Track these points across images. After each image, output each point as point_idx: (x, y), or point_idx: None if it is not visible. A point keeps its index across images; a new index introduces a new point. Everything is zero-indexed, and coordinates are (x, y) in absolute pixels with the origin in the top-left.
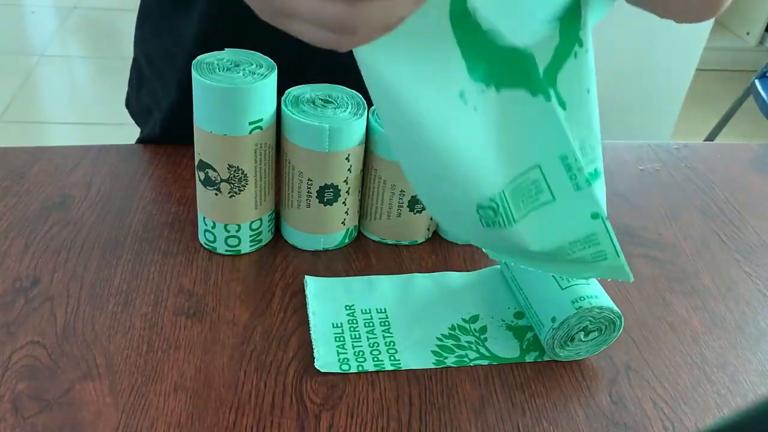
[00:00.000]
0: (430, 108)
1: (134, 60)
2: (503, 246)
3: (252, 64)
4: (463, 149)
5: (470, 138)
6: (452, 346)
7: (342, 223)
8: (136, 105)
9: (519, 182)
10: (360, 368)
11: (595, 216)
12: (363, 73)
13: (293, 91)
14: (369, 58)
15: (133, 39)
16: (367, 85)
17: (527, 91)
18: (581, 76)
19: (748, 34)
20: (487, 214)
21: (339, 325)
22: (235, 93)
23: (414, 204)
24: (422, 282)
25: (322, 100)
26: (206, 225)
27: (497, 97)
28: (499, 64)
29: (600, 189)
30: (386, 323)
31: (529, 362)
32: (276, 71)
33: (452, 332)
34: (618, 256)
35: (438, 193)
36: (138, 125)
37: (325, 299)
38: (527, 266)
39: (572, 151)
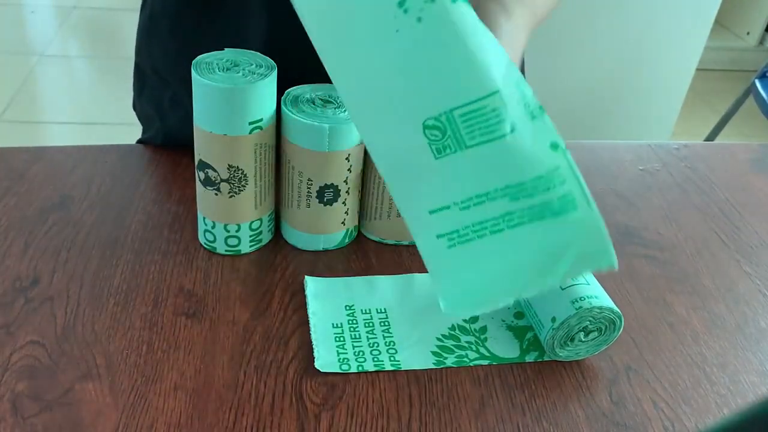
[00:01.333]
0: (365, 21)
1: (137, 66)
2: (461, 188)
3: (252, 64)
4: (400, 69)
5: (408, 56)
6: (452, 347)
7: (342, 223)
8: (138, 108)
9: (476, 108)
10: (360, 368)
11: (554, 147)
12: None
13: (293, 91)
14: None
15: (131, 39)
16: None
17: None
18: None
19: (748, 34)
20: (435, 135)
21: (339, 325)
22: (235, 93)
23: None
24: (422, 282)
25: (322, 100)
26: (206, 225)
27: (452, 7)
28: None
29: (550, 122)
30: (386, 323)
31: (529, 362)
32: (276, 71)
33: (452, 332)
34: (589, 205)
35: (384, 127)
36: (142, 126)
37: (324, 299)
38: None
39: (522, 78)
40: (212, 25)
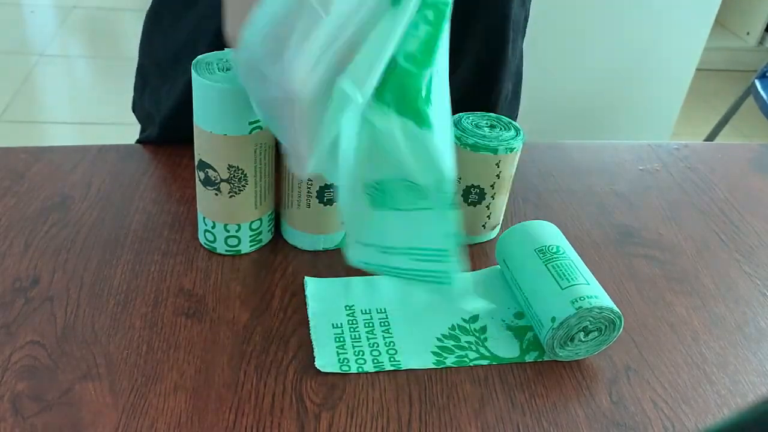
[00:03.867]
0: None
1: (140, 65)
2: None
3: None
4: None
5: None
6: (452, 347)
7: (342, 223)
8: (140, 110)
9: None
10: (360, 369)
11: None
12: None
13: None
14: None
15: (131, 39)
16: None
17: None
18: None
19: (748, 34)
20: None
21: (339, 326)
22: (235, 93)
23: None
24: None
25: None
26: (206, 225)
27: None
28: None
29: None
30: (386, 323)
31: (529, 362)
32: None
33: (452, 332)
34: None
35: None
36: (141, 126)
37: (324, 299)
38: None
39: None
40: (215, 16)
